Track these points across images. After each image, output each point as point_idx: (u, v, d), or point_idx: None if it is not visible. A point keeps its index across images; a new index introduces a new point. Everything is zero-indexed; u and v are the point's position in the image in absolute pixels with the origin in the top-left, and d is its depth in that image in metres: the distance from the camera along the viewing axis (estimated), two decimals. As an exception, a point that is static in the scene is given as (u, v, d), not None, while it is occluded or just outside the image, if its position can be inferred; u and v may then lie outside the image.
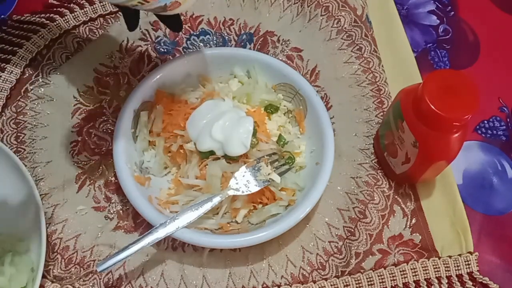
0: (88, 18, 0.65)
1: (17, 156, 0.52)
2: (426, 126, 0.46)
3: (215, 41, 0.65)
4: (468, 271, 0.52)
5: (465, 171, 0.59)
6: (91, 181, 0.56)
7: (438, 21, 0.70)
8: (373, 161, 0.58)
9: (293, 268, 0.52)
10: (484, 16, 0.71)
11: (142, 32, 0.65)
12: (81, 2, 0.66)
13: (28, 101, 0.60)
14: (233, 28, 0.66)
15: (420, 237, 0.54)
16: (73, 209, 0.54)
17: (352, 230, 0.54)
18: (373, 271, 0.51)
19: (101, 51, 0.64)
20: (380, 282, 0.51)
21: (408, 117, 0.48)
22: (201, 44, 0.65)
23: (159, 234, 0.45)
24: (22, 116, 0.59)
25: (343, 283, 0.51)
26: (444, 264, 0.52)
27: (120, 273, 0.51)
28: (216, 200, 0.48)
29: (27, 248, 0.50)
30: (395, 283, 0.51)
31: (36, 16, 0.65)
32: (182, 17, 0.59)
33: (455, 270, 0.52)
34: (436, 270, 0.52)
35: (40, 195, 0.52)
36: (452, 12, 0.71)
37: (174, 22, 0.52)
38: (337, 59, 0.64)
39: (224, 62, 0.59)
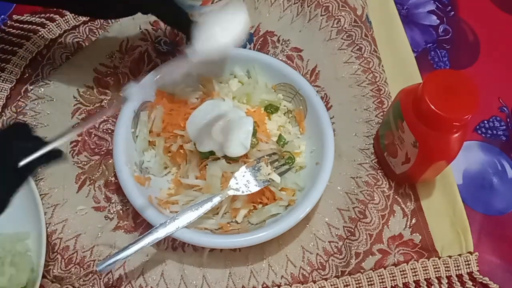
0: (88, 18, 0.65)
1: (17, 156, 0.52)
2: (426, 126, 0.46)
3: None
4: (468, 271, 0.52)
5: (465, 171, 0.59)
6: (91, 181, 0.56)
7: (438, 21, 0.70)
8: (373, 161, 0.58)
9: (293, 268, 0.52)
10: (484, 16, 0.71)
11: (142, 32, 0.65)
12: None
13: (28, 101, 0.60)
14: (233, 28, 0.66)
15: (420, 237, 0.54)
16: (73, 209, 0.54)
17: (352, 230, 0.54)
18: (373, 271, 0.52)
19: (101, 51, 0.64)
20: (380, 282, 0.51)
21: (408, 117, 0.48)
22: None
23: (159, 234, 0.45)
24: (22, 116, 0.59)
25: (343, 283, 0.51)
26: (444, 264, 0.52)
27: (120, 273, 0.51)
28: (216, 200, 0.48)
29: (27, 248, 0.50)
30: (395, 283, 0.51)
31: (36, 16, 0.65)
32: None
33: (455, 270, 0.52)
34: (436, 270, 0.52)
35: (40, 195, 0.52)
36: (452, 12, 0.71)
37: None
38: (337, 59, 0.64)
39: (224, 62, 0.59)
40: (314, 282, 0.51)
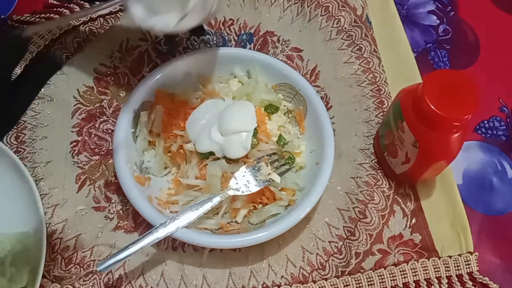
0: (88, 18, 0.65)
1: (17, 156, 0.52)
2: (426, 126, 0.46)
3: (215, 41, 0.65)
4: (468, 271, 0.52)
5: (465, 171, 0.59)
6: (91, 181, 0.56)
7: (438, 21, 0.70)
8: (373, 161, 0.58)
9: (293, 268, 0.52)
10: (484, 16, 0.71)
11: (142, 32, 0.65)
12: (81, 2, 0.66)
13: (28, 101, 0.60)
14: (233, 28, 0.66)
15: (420, 237, 0.54)
16: (73, 209, 0.54)
17: (352, 230, 0.54)
18: (373, 271, 0.52)
19: (101, 51, 0.64)
20: (380, 282, 0.51)
21: (408, 117, 0.48)
22: (201, 44, 0.65)
23: (159, 234, 0.45)
24: (22, 116, 0.59)
25: (343, 283, 0.51)
26: (444, 264, 0.52)
27: (120, 273, 0.51)
28: (216, 200, 0.48)
29: (27, 248, 0.50)
30: (395, 283, 0.51)
31: (36, 16, 0.65)
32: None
33: (455, 270, 0.52)
34: (436, 270, 0.52)
35: (40, 195, 0.52)
36: (452, 12, 0.71)
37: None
38: (337, 59, 0.64)
39: (224, 62, 0.59)
40: (314, 282, 0.51)
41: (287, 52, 0.64)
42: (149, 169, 0.55)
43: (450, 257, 0.52)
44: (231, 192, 0.49)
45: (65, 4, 0.66)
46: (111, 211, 0.54)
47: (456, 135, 0.46)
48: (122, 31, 0.65)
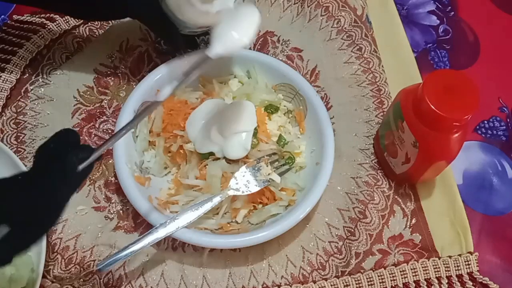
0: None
1: (17, 156, 0.52)
2: (426, 126, 0.46)
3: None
4: (468, 271, 0.52)
5: (465, 171, 0.59)
6: (91, 181, 0.56)
7: (438, 21, 0.70)
8: (373, 161, 0.58)
9: (293, 268, 0.52)
10: (484, 16, 0.71)
11: (142, 32, 0.65)
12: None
13: (28, 101, 0.60)
14: (233, 28, 0.66)
15: (420, 237, 0.54)
16: (73, 209, 0.54)
17: (352, 230, 0.54)
18: (373, 271, 0.51)
19: (101, 51, 0.64)
20: (380, 282, 0.51)
21: (408, 117, 0.48)
22: (201, 44, 0.64)
23: (159, 234, 0.45)
24: (22, 116, 0.59)
25: (343, 283, 0.51)
26: (444, 264, 0.52)
27: (120, 273, 0.51)
28: (216, 200, 0.48)
29: (27, 248, 0.50)
30: (395, 283, 0.51)
31: (36, 16, 0.65)
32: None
33: (455, 270, 0.52)
34: (436, 270, 0.52)
35: (40, 195, 0.52)
36: (452, 12, 0.71)
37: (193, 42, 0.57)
38: (337, 59, 0.64)
39: (224, 62, 0.59)
40: (314, 282, 0.51)
41: (287, 52, 0.64)
42: (149, 169, 0.55)
43: (450, 257, 0.52)
44: (231, 192, 0.49)
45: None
46: (111, 211, 0.54)
47: (456, 135, 0.46)
48: (122, 31, 0.65)
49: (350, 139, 0.59)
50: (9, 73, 0.61)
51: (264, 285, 0.51)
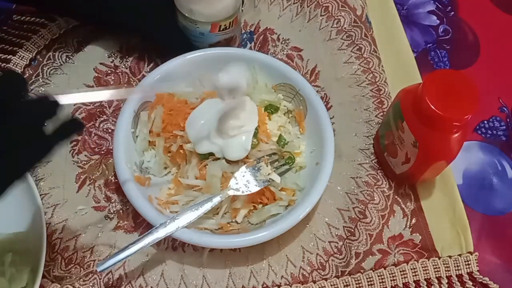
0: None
1: (17, 156, 0.52)
2: (426, 126, 0.46)
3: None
4: (468, 271, 0.52)
5: (465, 171, 0.59)
6: (91, 181, 0.56)
7: (438, 21, 0.70)
8: (373, 161, 0.58)
9: (293, 268, 0.52)
10: (484, 16, 0.71)
11: (142, 32, 0.65)
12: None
13: (28, 101, 0.60)
14: (233, 28, 0.66)
15: (420, 237, 0.54)
16: (73, 209, 0.54)
17: (352, 230, 0.54)
18: (373, 271, 0.51)
19: (101, 51, 0.64)
20: (380, 282, 0.51)
21: (408, 117, 0.48)
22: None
23: (159, 234, 0.45)
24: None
25: (343, 283, 0.51)
26: (444, 264, 0.52)
27: (120, 273, 0.51)
28: (216, 200, 0.48)
29: (27, 248, 0.50)
30: (395, 283, 0.51)
31: (36, 16, 0.65)
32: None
33: (455, 270, 0.52)
34: (436, 270, 0.52)
35: (40, 195, 0.52)
36: (452, 12, 0.71)
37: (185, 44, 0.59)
38: (337, 59, 0.64)
39: (224, 62, 0.59)
40: (314, 282, 0.51)
41: (287, 51, 0.64)
42: (149, 169, 0.55)
43: (450, 257, 0.52)
44: (231, 192, 0.49)
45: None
46: (111, 211, 0.54)
47: (456, 135, 0.46)
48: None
49: (350, 139, 0.59)
50: (9, 73, 0.61)
51: (264, 285, 0.51)
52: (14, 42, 0.63)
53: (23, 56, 0.62)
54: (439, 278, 0.52)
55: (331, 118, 0.56)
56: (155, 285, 0.51)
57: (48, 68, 0.62)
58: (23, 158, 0.36)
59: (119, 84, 0.62)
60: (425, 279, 0.52)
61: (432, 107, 0.43)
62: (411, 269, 0.52)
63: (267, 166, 0.51)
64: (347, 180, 0.56)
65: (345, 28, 0.66)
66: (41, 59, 0.63)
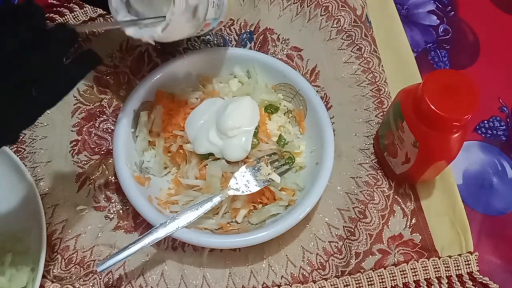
0: (88, 17, 0.65)
1: (17, 156, 0.52)
2: (426, 126, 0.46)
3: (215, 42, 0.65)
4: (468, 271, 0.52)
5: (465, 171, 0.59)
6: (91, 181, 0.56)
7: (438, 21, 0.70)
8: (373, 161, 0.58)
9: (293, 268, 0.52)
10: (484, 16, 0.71)
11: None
12: (81, 2, 0.66)
13: (28, 101, 0.60)
14: (234, 28, 0.66)
15: (420, 237, 0.54)
16: (73, 209, 0.54)
17: (352, 230, 0.54)
18: (373, 271, 0.51)
19: (101, 50, 0.64)
20: (380, 282, 0.51)
21: (408, 117, 0.48)
22: (201, 44, 0.65)
23: (159, 234, 0.45)
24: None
25: (343, 283, 0.51)
26: (444, 264, 0.52)
27: (120, 273, 0.51)
28: (216, 200, 0.48)
29: (27, 248, 0.50)
30: (395, 283, 0.51)
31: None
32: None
33: (455, 270, 0.52)
34: (436, 270, 0.52)
35: (40, 195, 0.52)
36: (452, 12, 0.71)
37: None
38: (337, 59, 0.64)
39: (224, 62, 0.59)
40: (314, 282, 0.51)
41: (287, 50, 0.64)
42: (149, 169, 0.55)
43: (450, 257, 0.52)
44: (231, 192, 0.49)
45: (65, 4, 0.66)
46: (111, 211, 0.54)
47: (456, 135, 0.46)
48: (122, 30, 0.65)
49: (350, 139, 0.59)
50: (9, 73, 0.61)
51: (264, 285, 0.51)
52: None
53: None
54: (439, 278, 0.52)
55: (331, 118, 0.56)
56: (155, 285, 0.51)
57: (48, 68, 0.62)
58: (51, 88, 0.38)
59: (119, 84, 0.62)
60: (425, 279, 0.52)
61: (432, 107, 0.43)
62: (411, 269, 0.52)
63: (267, 166, 0.51)
64: (347, 180, 0.56)
65: (345, 28, 0.66)
66: (41, 59, 0.63)
